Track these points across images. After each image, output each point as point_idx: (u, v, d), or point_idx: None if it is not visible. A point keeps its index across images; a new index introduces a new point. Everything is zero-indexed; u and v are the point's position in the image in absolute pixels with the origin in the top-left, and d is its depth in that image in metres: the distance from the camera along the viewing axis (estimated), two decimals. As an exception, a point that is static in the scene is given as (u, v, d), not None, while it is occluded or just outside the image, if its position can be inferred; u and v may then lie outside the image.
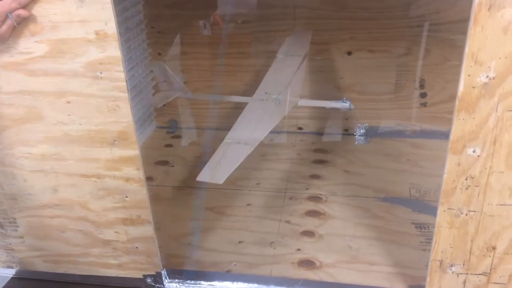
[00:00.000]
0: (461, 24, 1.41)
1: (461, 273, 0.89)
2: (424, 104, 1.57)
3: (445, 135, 0.78)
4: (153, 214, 0.97)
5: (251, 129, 1.22)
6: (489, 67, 0.71)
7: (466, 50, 0.71)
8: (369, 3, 1.46)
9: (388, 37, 1.49)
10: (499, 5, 0.67)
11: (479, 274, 0.89)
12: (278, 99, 1.28)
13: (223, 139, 1.66)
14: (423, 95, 1.56)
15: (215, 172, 1.11)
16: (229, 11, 1.53)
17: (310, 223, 1.24)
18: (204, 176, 1.10)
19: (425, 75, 1.53)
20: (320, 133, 1.67)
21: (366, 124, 1.64)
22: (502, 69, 0.71)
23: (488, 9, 0.68)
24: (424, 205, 1.28)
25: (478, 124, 0.76)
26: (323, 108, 1.62)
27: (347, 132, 1.66)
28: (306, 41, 1.47)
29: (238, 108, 1.57)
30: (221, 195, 1.37)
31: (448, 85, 1.52)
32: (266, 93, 1.31)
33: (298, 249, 1.15)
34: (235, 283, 1.06)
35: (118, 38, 0.79)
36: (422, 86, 1.54)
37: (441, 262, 0.89)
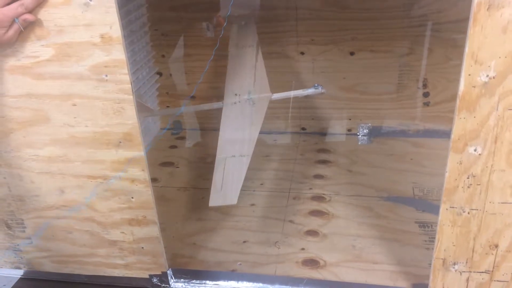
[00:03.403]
0: (463, 23, 1.40)
1: (464, 271, 0.90)
2: (426, 104, 1.57)
3: (448, 134, 0.78)
4: (158, 214, 0.99)
5: (239, 139, 1.22)
6: (489, 66, 0.72)
7: (466, 49, 0.72)
8: (370, 4, 1.46)
9: (390, 37, 1.50)
10: (498, 5, 0.68)
11: (482, 272, 0.89)
12: (251, 99, 1.27)
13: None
14: (426, 94, 1.56)
15: (225, 193, 1.11)
16: (232, 12, 1.54)
17: (314, 223, 1.25)
18: (215, 200, 1.11)
19: (427, 75, 1.53)
20: (323, 134, 1.68)
21: (369, 124, 1.64)
22: (502, 68, 0.72)
23: (487, 9, 0.68)
24: (427, 204, 1.28)
25: (479, 123, 0.76)
26: (327, 108, 1.64)
27: (350, 132, 1.67)
28: (253, 30, 1.44)
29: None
30: (225, 196, 1.38)
31: (451, 85, 1.52)
32: (236, 94, 1.29)
33: (302, 249, 1.16)
34: (240, 282, 1.07)
35: (122, 41, 0.81)
36: (424, 85, 1.55)
37: (444, 260, 0.89)
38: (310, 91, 1.37)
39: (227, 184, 1.13)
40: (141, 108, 1.45)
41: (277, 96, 1.35)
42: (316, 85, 1.36)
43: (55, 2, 0.79)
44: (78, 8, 0.79)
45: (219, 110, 1.68)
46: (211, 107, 1.39)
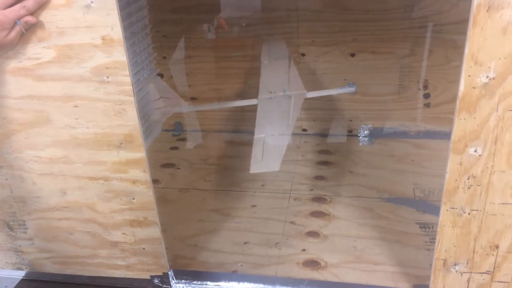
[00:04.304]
0: (463, 24, 1.39)
1: (464, 272, 0.90)
2: (427, 105, 1.57)
3: (449, 136, 0.79)
4: (159, 215, 0.99)
5: (276, 124, 1.24)
6: (488, 67, 0.72)
7: (466, 51, 0.72)
8: (371, 5, 1.47)
9: (391, 39, 1.50)
10: (498, 6, 0.68)
11: (483, 272, 0.89)
12: (287, 95, 1.30)
13: (228, 141, 1.68)
14: (427, 96, 1.56)
15: (266, 162, 1.12)
16: (233, 14, 1.55)
17: (315, 224, 1.25)
18: (256, 167, 1.12)
19: (428, 76, 1.53)
20: (324, 135, 1.69)
21: (370, 125, 1.64)
22: (501, 69, 0.72)
23: (487, 10, 0.69)
24: (428, 205, 1.28)
25: (479, 124, 0.76)
26: (328, 109, 1.64)
27: (351, 133, 1.67)
28: (283, 46, 1.50)
29: (242, 111, 1.59)
30: (226, 197, 1.39)
31: (451, 86, 1.52)
32: (271, 92, 1.33)
33: (303, 250, 1.16)
34: (241, 283, 1.07)
35: (123, 43, 0.81)
36: (425, 87, 1.55)
37: (444, 261, 0.89)
38: (345, 89, 1.39)
39: (268, 155, 1.14)
40: (175, 102, 1.45)
41: (311, 94, 1.37)
42: (350, 83, 1.37)
43: (57, 4, 0.80)
44: (80, 10, 0.79)
45: (221, 111, 1.70)
46: (244, 104, 1.41)
